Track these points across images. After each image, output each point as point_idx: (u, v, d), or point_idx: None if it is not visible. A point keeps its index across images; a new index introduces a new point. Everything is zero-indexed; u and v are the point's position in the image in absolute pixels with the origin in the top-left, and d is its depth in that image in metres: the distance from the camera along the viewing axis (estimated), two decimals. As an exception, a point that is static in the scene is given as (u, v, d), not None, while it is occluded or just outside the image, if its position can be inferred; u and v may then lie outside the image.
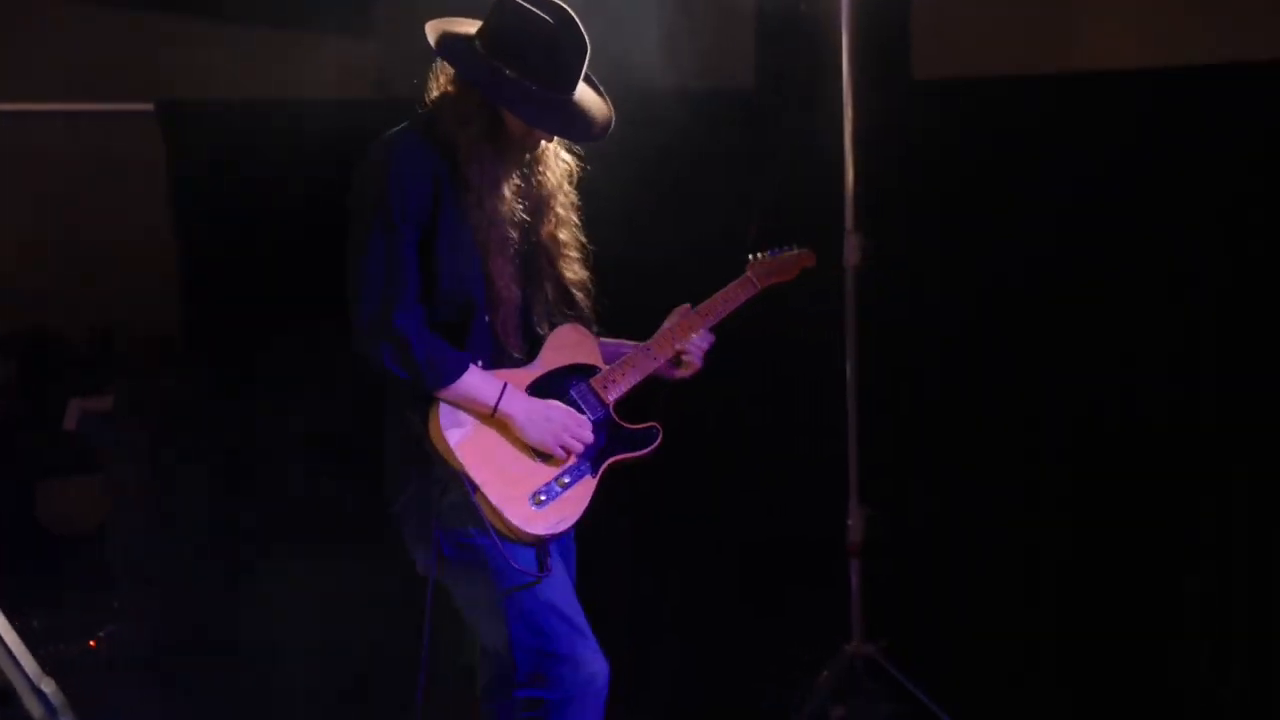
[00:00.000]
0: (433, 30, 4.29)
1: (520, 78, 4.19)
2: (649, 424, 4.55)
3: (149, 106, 6.63)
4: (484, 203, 4.22)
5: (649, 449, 4.55)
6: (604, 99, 4.42)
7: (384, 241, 4.16)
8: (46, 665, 5.70)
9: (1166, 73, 6.26)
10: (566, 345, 4.46)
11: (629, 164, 5.94)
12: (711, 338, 4.67)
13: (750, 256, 4.85)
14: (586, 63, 4.30)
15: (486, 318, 4.27)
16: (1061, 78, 6.42)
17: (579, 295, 4.47)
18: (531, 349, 4.40)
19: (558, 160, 4.42)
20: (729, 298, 4.72)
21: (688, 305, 4.68)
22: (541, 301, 4.41)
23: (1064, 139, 6.23)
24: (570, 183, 4.45)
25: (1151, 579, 6.17)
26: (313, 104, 6.62)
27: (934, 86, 6.54)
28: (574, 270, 4.46)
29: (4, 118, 6.82)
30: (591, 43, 4.37)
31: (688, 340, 4.61)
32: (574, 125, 4.30)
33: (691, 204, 6.26)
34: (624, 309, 4.68)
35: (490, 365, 4.29)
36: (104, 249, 6.98)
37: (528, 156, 4.33)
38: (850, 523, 6.05)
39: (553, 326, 4.45)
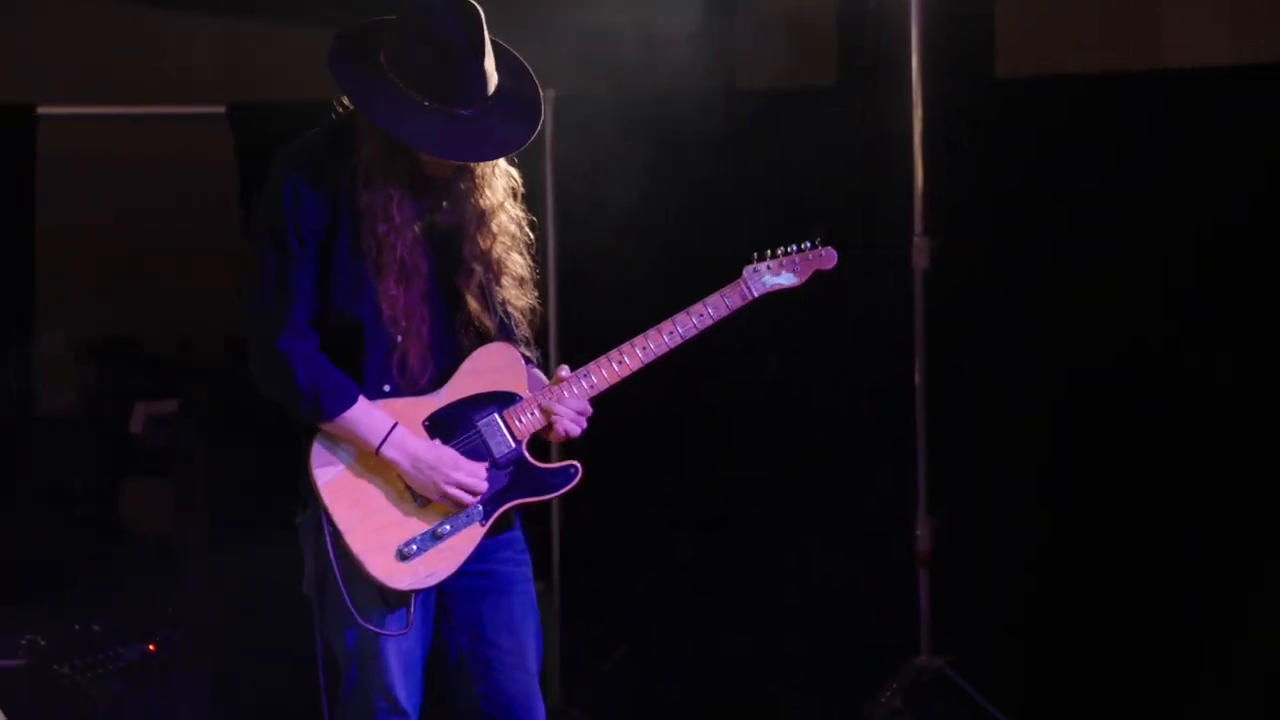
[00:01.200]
0: (345, 30, 3.99)
1: (407, 90, 3.86)
2: (566, 463, 4.05)
3: (221, 109, 6.66)
4: (376, 227, 3.92)
5: (559, 492, 4.06)
6: (530, 110, 3.97)
7: (274, 261, 3.93)
8: (106, 669, 5.77)
9: (1260, 70, 6.17)
10: (487, 369, 4.03)
11: (697, 162, 5.94)
12: (586, 406, 4.05)
13: (755, 256, 4.17)
14: (490, 74, 3.91)
15: (399, 339, 3.97)
16: (1153, 75, 6.37)
17: (516, 316, 4.07)
18: (448, 373, 4.04)
19: (498, 176, 4.04)
20: (707, 309, 4.07)
21: (565, 367, 4.09)
22: (464, 324, 4.03)
23: (1156, 138, 6.13)
24: (515, 198, 4.07)
25: (1232, 581, 6.05)
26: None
27: (1016, 85, 6.50)
28: (511, 291, 4.06)
29: (79, 121, 6.88)
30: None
31: (558, 400, 4.02)
32: (459, 144, 3.90)
33: (758, 203, 6.20)
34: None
35: (395, 391, 3.99)
36: (183, 252, 7.03)
37: (462, 171, 3.99)
38: (919, 532, 5.95)
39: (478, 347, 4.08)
